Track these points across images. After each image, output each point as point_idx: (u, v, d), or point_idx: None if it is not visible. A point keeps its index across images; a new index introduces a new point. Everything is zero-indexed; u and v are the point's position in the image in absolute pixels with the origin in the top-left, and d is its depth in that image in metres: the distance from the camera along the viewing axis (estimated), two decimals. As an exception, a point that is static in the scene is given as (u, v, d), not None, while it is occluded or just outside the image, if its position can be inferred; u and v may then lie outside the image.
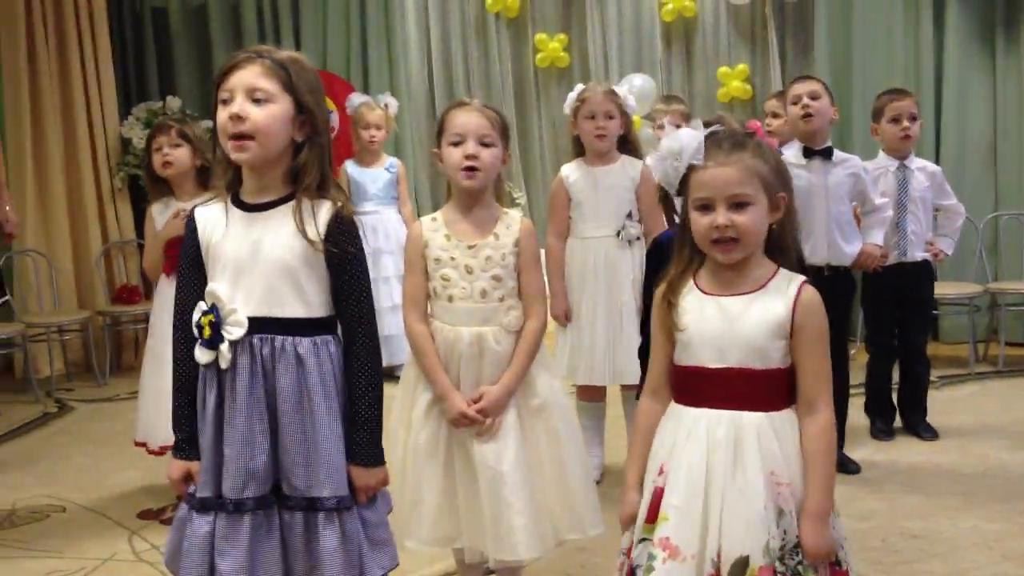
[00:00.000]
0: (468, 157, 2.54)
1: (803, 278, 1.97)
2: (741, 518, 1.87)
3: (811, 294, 1.95)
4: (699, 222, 1.96)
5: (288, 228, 2.05)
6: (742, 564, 1.85)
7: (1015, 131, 6.22)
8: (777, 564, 1.86)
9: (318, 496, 2.06)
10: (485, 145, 2.56)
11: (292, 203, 2.07)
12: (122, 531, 3.64)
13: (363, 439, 2.11)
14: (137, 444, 3.87)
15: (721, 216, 1.92)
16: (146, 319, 3.99)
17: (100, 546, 3.50)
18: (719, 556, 1.87)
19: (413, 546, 2.57)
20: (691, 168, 1.97)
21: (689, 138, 1.98)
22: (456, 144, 2.57)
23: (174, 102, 6.73)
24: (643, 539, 1.97)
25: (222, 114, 2.03)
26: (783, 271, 1.98)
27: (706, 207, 1.95)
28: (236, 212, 2.10)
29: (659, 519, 1.94)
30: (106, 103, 6.56)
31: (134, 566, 3.33)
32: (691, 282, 2.02)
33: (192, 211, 2.17)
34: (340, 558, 2.06)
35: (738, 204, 1.92)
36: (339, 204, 2.09)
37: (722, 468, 1.90)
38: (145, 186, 4.21)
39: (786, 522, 1.89)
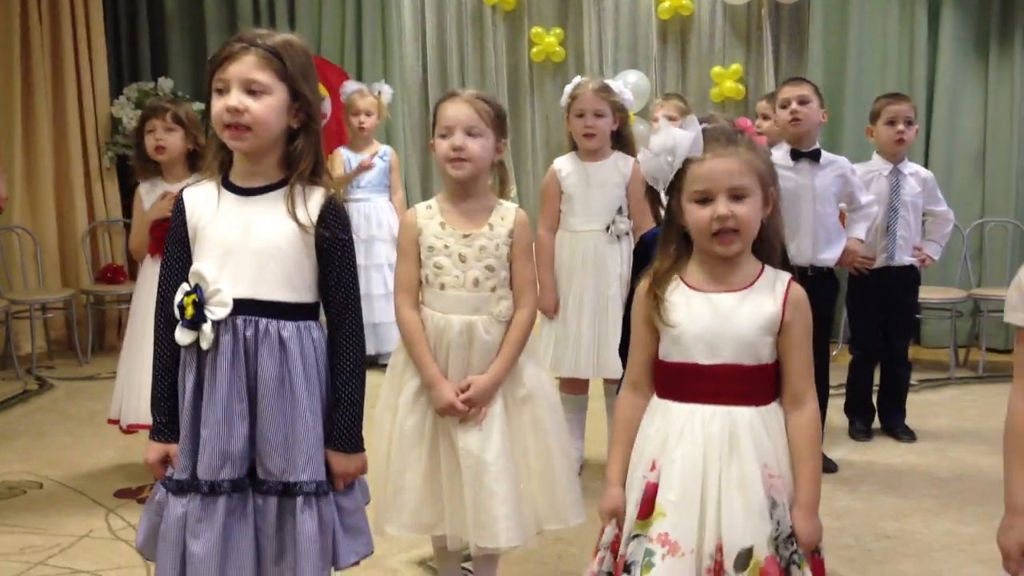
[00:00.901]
0: (454, 149, 2.55)
1: (789, 275, 2.00)
2: (740, 510, 1.89)
3: (798, 291, 1.98)
4: (698, 215, 1.95)
5: (280, 212, 2.05)
6: (746, 555, 1.87)
7: (1004, 139, 6.25)
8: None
9: (296, 481, 2.04)
10: (473, 135, 2.56)
11: (285, 188, 2.07)
12: (99, 509, 3.64)
13: (344, 425, 2.10)
14: (110, 421, 3.86)
15: (722, 206, 1.92)
16: (130, 299, 3.97)
17: (77, 523, 3.49)
18: (719, 550, 1.88)
19: (394, 532, 2.58)
20: (687, 162, 1.97)
21: (683, 135, 1.97)
22: (445, 136, 2.58)
23: (166, 83, 6.70)
24: (636, 535, 1.96)
25: (217, 104, 2.02)
26: (768, 269, 2.00)
27: (705, 200, 1.95)
28: (227, 195, 2.09)
29: (655, 515, 1.94)
30: (97, 82, 6.53)
31: (110, 544, 3.33)
32: (677, 278, 2.02)
33: (180, 192, 2.16)
34: (317, 544, 2.05)
35: (737, 196, 1.93)
36: (331, 191, 2.09)
37: (718, 463, 1.92)
38: (134, 166, 4.20)
39: (779, 513, 1.91)
